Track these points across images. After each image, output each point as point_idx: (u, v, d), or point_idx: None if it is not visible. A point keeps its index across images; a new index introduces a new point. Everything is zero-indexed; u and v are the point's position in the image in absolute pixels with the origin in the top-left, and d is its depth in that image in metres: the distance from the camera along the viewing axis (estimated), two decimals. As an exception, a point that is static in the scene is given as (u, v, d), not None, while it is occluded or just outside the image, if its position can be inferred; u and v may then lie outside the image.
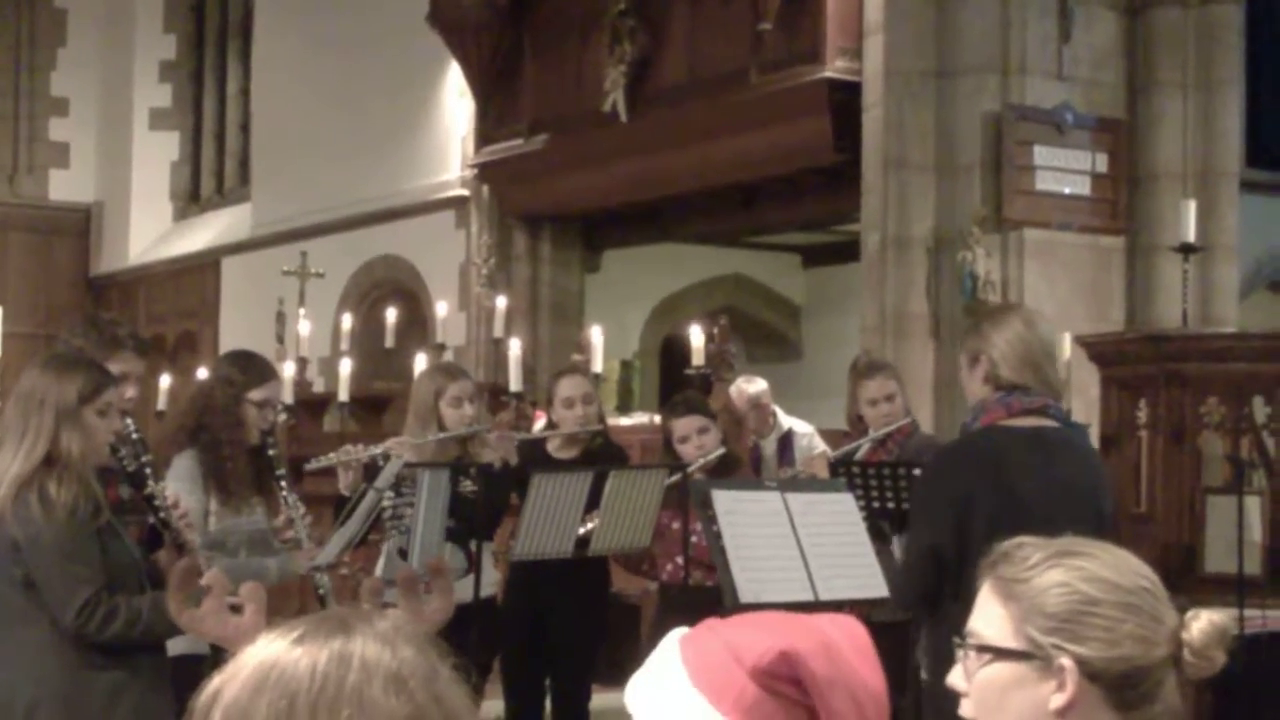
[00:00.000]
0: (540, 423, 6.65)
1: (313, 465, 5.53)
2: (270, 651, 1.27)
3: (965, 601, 1.91)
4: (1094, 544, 1.86)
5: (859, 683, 1.49)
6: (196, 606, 2.22)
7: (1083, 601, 1.77)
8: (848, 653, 1.51)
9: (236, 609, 2.22)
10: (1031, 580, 1.80)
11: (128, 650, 3.82)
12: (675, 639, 1.56)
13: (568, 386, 5.93)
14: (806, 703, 1.47)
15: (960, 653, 1.84)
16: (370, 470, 5.32)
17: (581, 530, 5.27)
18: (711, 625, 1.56)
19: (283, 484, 4.79)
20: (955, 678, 1.84)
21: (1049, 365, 4.07)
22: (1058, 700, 1.76)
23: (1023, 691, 1.78)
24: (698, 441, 5.53)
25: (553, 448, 5.94)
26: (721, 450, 5.56)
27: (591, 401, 5.93)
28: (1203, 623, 1.79)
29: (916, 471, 5.05)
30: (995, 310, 4.23)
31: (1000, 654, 1.80)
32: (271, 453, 4.81)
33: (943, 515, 3.92)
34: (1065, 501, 3.83)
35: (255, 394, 4.81)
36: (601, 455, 5.84)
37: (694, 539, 5.24)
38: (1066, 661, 1.76)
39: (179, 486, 4.48)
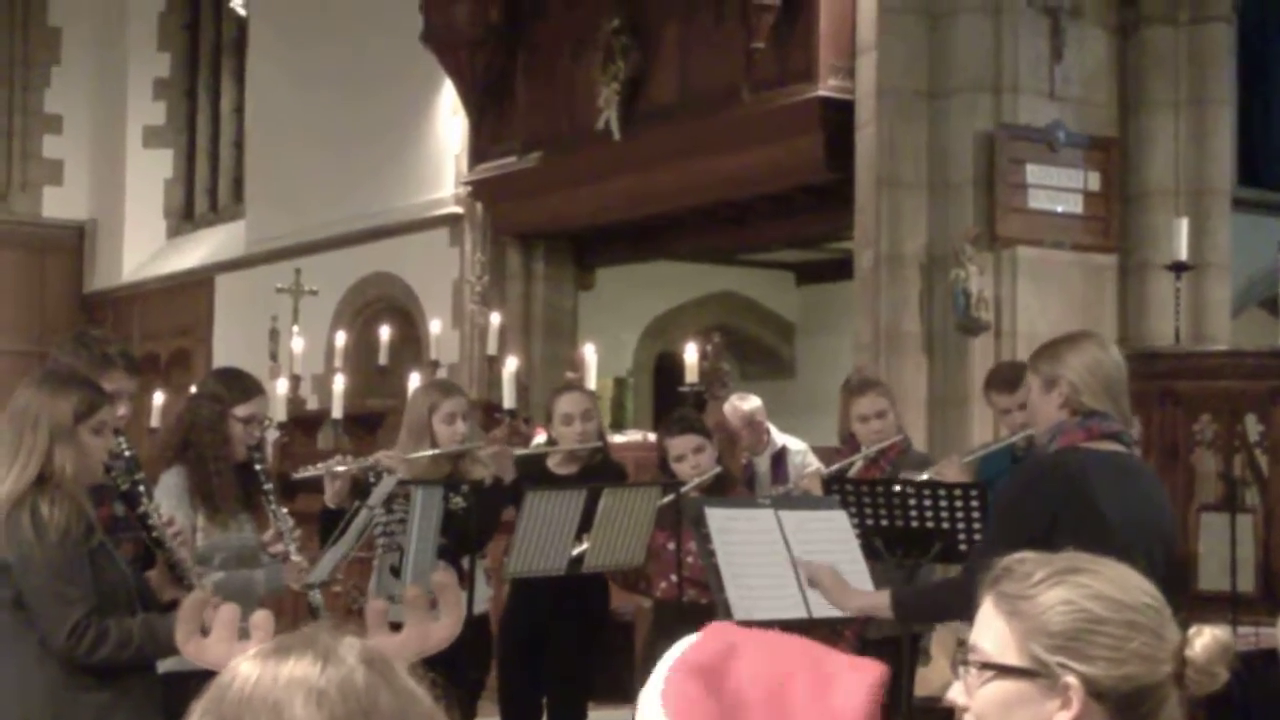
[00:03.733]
0: (540, 438, 6.66)
1: (299, 475, 5.54)
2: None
3: None
4: (1097, 560, 1.85)
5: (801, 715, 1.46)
6: (204, 635, 2.22)
7: (1088, 620, 1.77)
8: (820, 687, 1.46)
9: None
10: (1035, 597, 1.79)
11: (117, 670, 3.81)
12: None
13: (567, 403, 5.93)
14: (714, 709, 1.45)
15: (961, 668, 1.84)
16: (361, 487, 5.32)
17: (574, 552, 5.27)
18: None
19: (270, 499, 4.79)
20: (955, 693, 1.84)
21: (1123, 393, 4.04)
22: (1062, 718, 1.76)
23: (1026, 709, 1.77)
24: (693, 460, 5.52)
25: (552, 464, 5.94)
26: (717, 469, 5.56)
27: (591, 418, 5.93)
28: (1206, 639, 1.79)
29: (910, 489, 5.05)
30: (1071, 335, 4.18)
31: (1004, 671, 1.79)
32: (259, 468, 4.82)
33: (1027, 531, 3.70)
34: (1143, 525, 3.83)
35: (240, 410, 4.82)
36: (601, 472, 5.84)
37: (689, 559, 5.24)
38: (1071, 680, 1.75)
39: (166, 503, 4.48)
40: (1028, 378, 4.16)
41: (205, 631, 2.22)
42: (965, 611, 3.98)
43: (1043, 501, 3.88)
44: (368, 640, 1.35)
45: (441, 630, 2.06)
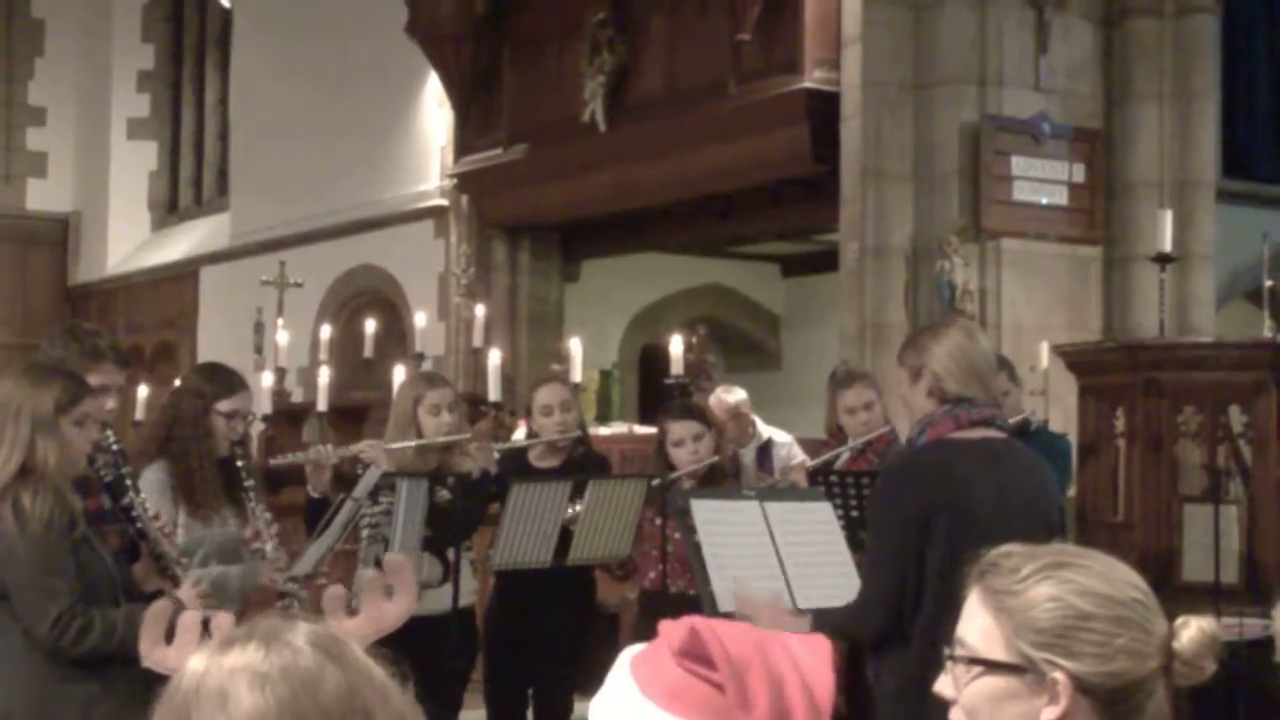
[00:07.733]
0: (521, 431, 6.64)
1: (276, 462, 5.52)
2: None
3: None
4: (1084, 553, 1.85)
5: (787, 671, 1.46)
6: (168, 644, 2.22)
7: (1075, 616, 1.77)
8: (788, 648, 1.48)
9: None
10: (1023, 593, 1.79)
11: (102, 663, 3.80)
12: (628, 654, 1.55)
13: (546, 395, 5.91)
14: (718, 680, 1.44)
15: (949, 662, 1.84)
16: (347, 479, 5.31)
17: (566, 515, 5.23)
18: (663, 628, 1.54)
19: (250, 495, 4.78)
20: (943, 685, 1.84)
21: (991, 376, 4.03)
22: (1050, 714, 1.76)
23: (1015, 704, 1.78)
24: (692, 447, 5.47)
25: (534, 457, 5.92)
26: (714, 459, 5.52)
27: (570, 409, 5.91)
28: (1192, 631, 1.79)
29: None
30: (934, 325, 4.17)
31: (991, 667, 1.80)
32: (240, 464, 4.80)
33: (904, 538, 3.80)
34: (1018, 513, 3.77)
35: (223, 405, 4.80)
36: (583, 463, 5.82)
37: (674, 537, 5.21)
38: (1059, 676, 1.76)
39: (148, 497, 4.47)
40: (895, 371, 4.11)
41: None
42: (869, 635, 3.93)
43: (912, 500, 3.83)
44: (321, 625, 1.36)
45: (395, 610, 2.06)
